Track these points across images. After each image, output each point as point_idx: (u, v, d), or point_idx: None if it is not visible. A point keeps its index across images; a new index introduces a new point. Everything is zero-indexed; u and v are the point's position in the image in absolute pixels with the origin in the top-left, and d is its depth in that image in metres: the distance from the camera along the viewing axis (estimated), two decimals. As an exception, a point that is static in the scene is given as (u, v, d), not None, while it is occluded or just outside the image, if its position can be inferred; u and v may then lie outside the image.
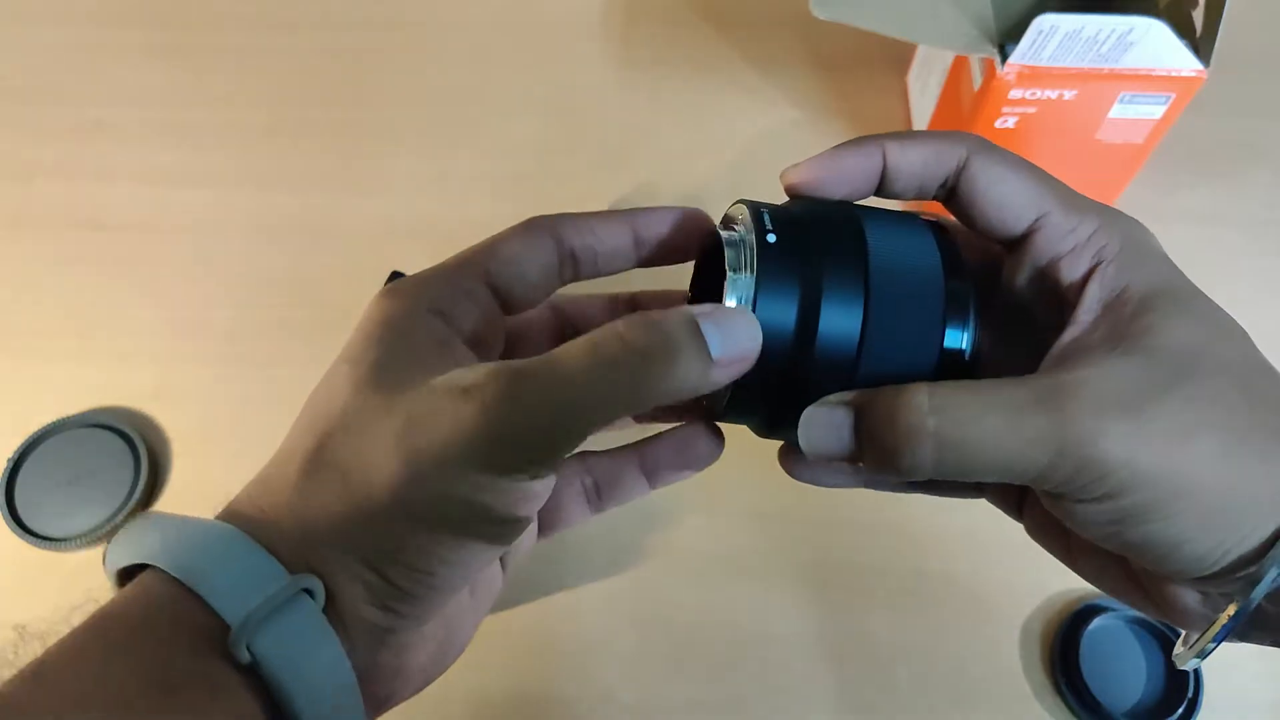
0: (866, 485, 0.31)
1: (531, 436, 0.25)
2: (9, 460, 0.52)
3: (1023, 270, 0.28)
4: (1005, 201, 0.27)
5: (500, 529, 0.26)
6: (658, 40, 0.69)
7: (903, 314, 0.26)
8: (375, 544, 0.25)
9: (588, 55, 0.69)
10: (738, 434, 0.56)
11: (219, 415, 0.55)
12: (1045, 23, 0.47)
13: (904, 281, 0.26)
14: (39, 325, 0.58)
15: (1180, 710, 0.47)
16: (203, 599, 0.24)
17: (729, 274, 0.26)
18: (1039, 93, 0.51)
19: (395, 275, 0.47)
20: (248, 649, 0.23)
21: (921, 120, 0.62)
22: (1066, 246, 0.27)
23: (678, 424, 0.32)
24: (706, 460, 0.31)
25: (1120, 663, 0.48)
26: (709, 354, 0.24)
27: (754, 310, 0.26)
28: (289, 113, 0.66)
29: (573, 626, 0.50)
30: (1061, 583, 0.50)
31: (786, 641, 0.49)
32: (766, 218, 0.27)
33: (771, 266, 0.26)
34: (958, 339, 0.26)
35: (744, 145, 0.65)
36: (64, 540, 0.50)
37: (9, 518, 0.50)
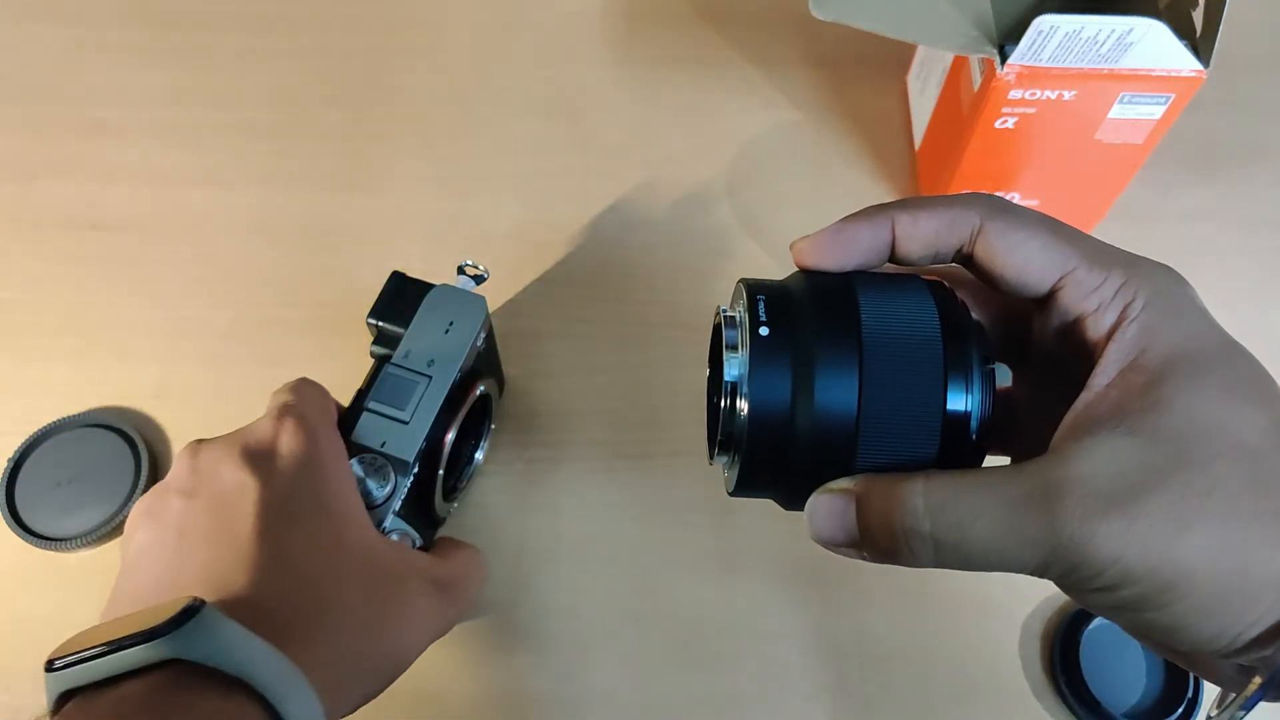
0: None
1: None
2: (9, 460, 0.52)
3: (1051, 326, 0.27)
4: (1026, 265, 0.27)
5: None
6: (658, 40, 0.69)
7: (900, 381, 0.26)
8: (370, 683, 0.36)
9: (588, 55, 0.69)
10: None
11: (219, 415, 0.55)
12: (1045, 23, 0.47)
13: (899, 349, 0.26)
14: (39, 325, 0.58)
15: (1180, 710, 0.47)
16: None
17: (725, 354, 0.27)
18: (1039, 93, 0.51)
19: (396, 275, 0.47)
20: None
21: (921, 120, 0.62)
22: (1091, 305, 0.26)
23: None
24: None
25: (1120, 662, 0.48)
26: None
27: (747, 390, 0.26)
28: (289, 113, 0.66)
29: (572, 625, 0.50)
30: (1061, 583, 0.50)
31: (786, 640, 0.49)
32: (761, 304, 0.28)
33: (764, 350, 0.26)
34: (961, 401, 0.26)
35: (744, 145, 0.65)
36: (64, 540, 0.50)
37: (9, 518, 0.50)
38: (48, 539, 0.50)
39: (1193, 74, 0.50)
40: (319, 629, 0.33)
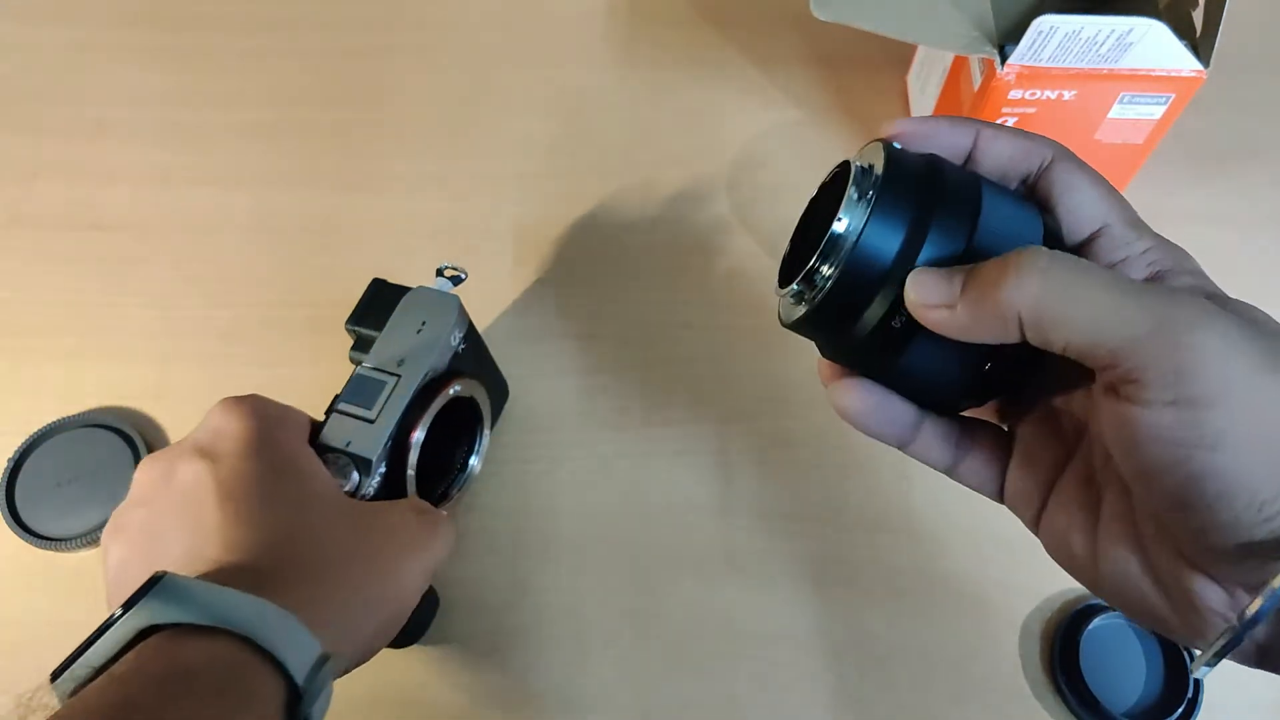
0: (905, 446, 0.31)
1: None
2: (9, 460, 0.52)
3: None
4: (1076, 207, 0.29)
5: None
6: (658, 40, 0.69)
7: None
8: (371, 637, 0.36)
9: (589, 55, 0.69)
10: (738, 436, 0.56)
11: (219, 415, 0.55)
12: (1045, 23, 0.47)
13: (1006, 238, 0.27)
14: (39, 325, 0.58)
15: (1180, 710, 0.47)
16: (279, 671, 0.30)
17: (847, 198, 0.27)
18: (1038, 93, 0.51)
19: (375, 282, 0.48)
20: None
21: (921, 120, 0.62)
22: (1120, 256, 0.28)
23: None
24: None
25: (1120, 662, 0.48)
26: None
27: (861, 235, 0.27)
28: (289, 113, 0.66)
29: (571, 625, 0.50)
30: (1061, 582, 0.50)
31: (785, 640, 0.49)
32: (895, 165, 0.28)
33: (889, 199, 0.27)
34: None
35: (744, 145, 0.65)
36: (64, 540, 0.50)
37: (9, 518, 0.50)
38: (48, 539, 0.50)
39: (1193, 74, 0.50)
40: (304, 568, 0.34)
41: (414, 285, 0.47)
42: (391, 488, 0.42)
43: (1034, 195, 0.30)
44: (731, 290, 0.59)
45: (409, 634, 0.47)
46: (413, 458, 0.42)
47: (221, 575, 0.32)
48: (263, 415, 0.38)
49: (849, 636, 0.49)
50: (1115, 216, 0.29)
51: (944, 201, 0.27)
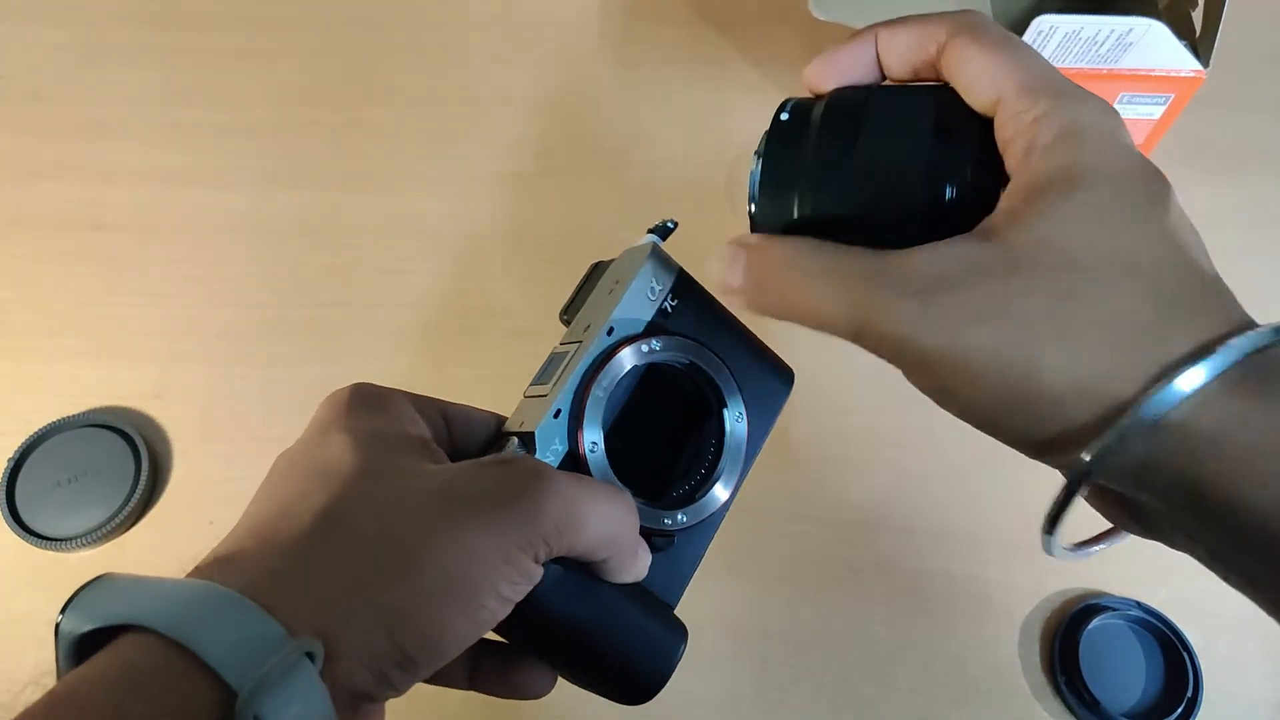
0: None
1: (559, 522, 0.27)
2: (9, 460, 0.52)
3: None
4: (971, 84, 0.27)
5: (498, 607, 0.27)
6: (658, 40, 0.69)
7: (884, 159, 0.28)
8: (399, 600, 0.25)
9: (588, 55, 0.69)
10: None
11: (219, 415, 0.55)
12: (1044, 23, 0.47)
13: (889, 146, 0.28)
14: (39, 325, 0.58)
15: (1179, 710, 0.47)
16: (203, 666, 0.23)
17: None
18: (1038, 93, 0.51)
19: (593, 266, 0.40)
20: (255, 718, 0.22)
21: (921, 120, 0.62)
22: (1010, 131, 0.26)
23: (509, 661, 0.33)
24: (534, 695, 0.33)
25: (1120, 662, 0.48)
26: None
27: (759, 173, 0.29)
28: (289, 113, 0.66)
29: (572, 626, 0.50)
30: (1061, 582, 0.50)
31: (785, 639, 0.49)
32: (789, 106, 0.30)
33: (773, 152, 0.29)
34: (950, 191, 0.27)
35: (744, 145, 0.65)
36: (64, 540, 0.50)
37: (9, 518, 0.50)
38: (48, 539, 0.50)
39: (1192, 74, 0.50)
40: (287, 538, 0.27)
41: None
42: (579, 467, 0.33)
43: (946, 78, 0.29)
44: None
45: (625, 677, 0.34)
46: (589, 433, 0.33)
47: (202, 565, 0.28)
48: (356, 395, 0.32)
49: (849, 636, 0.49)
50: (1010, 84, 0.26)
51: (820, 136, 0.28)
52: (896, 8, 0.50)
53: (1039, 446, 0.25)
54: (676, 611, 0.35)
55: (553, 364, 0.34)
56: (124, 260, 0.60)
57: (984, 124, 0.27)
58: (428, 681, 0.28)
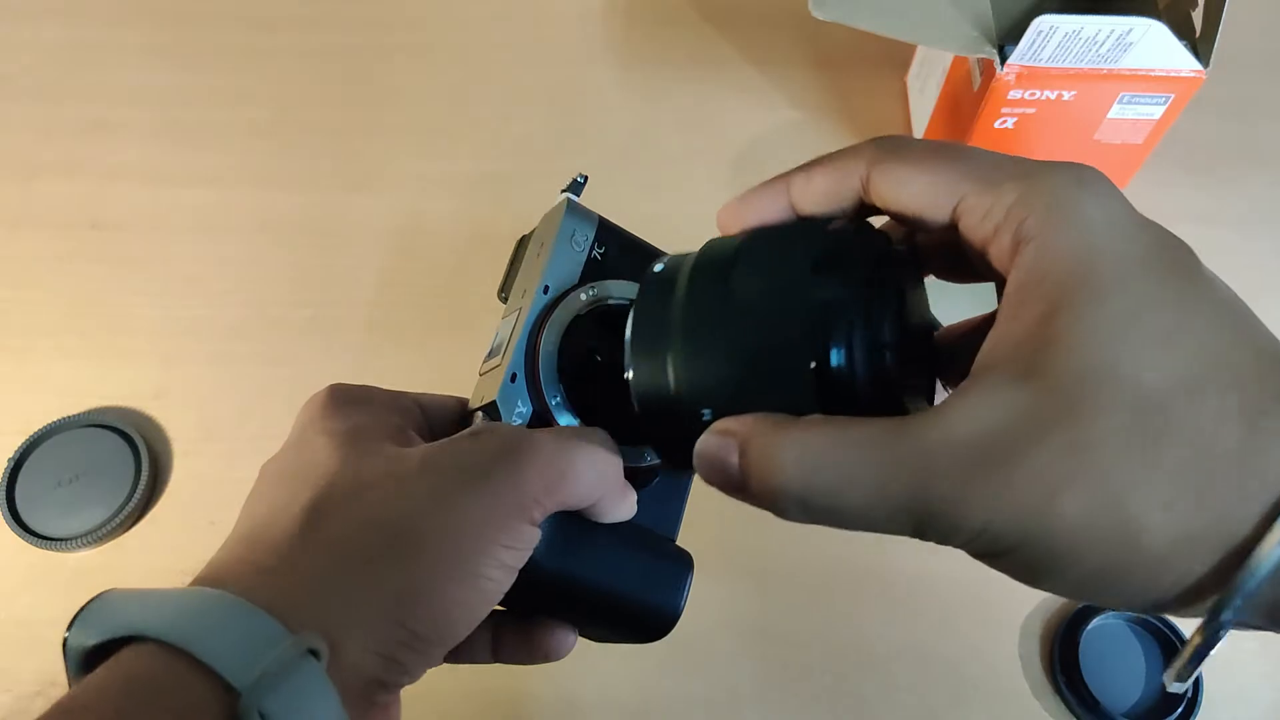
0: None
1: (546, 479, 0.27)
2: (9, 460, 0.52)
3: (975, 258, 0.25)
4: (917, 201, 0.24)
5: (502, 577, 0.27)
6: (658, 40, 0.69)
7: (762, 327, 0.25)
8: (399, 583, 0.25)
9: (588, 55, 0.69)
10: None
11: (219, 415, 0.55)
12: (1044, 23, 0.47)
13: (763, 308, 0.25)
14: (39, 325, 0.58)
15: (1180, 710, 0.47)
16: (204, 669, 0.23)
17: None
18: (1038, 93, 0.51)
19: (519, 241, 0.40)
20: (259, 716, 0.22)
21: (921, 120, 0.62)
22: (989, 230, 0.23)
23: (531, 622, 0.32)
24: (558, 655, 0.32)
25: (1120, 662, 0.48)
26: None
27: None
28: (289, 113, 0.66)
29: (572, 626, 0.50)
30: (1061, 582, 0.50)
31: (785, 640, 0.49)
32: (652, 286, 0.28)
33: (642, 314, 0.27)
34: (838, 350, 0.24)
35: (744, 145, 0.65)
36: (64, 540, 0.50)
37: (9, 518, 0.50)
38: (48, 539, 0.50)
39: (1192, 74, 0.50)
40: (277, 533, 0.27)
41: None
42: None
43: (881, 211, 0.26)
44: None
45: (638, 619, 0.34)
46: (549, 388, 0.32)
47: (199, 576, 0.27)
48: (336, 395, 0.31)
49: (849, 637, 0.49)
50: (966, 184, 0.24)
51: (692, 297, 0.26)
52: (897, 10, 0.51)
53: (1157, 606, 0.22)
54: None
55: (499, 336, 0.34)
56: (124, 260, 0.60)
57: (880, 251, 0.25)
58: (452, 661, 0.28)
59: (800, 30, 0.68)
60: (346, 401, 0.31)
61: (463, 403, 0.34)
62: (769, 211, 0.27)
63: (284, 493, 0.28)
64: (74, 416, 0.53)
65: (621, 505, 0.30)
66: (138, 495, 0.51)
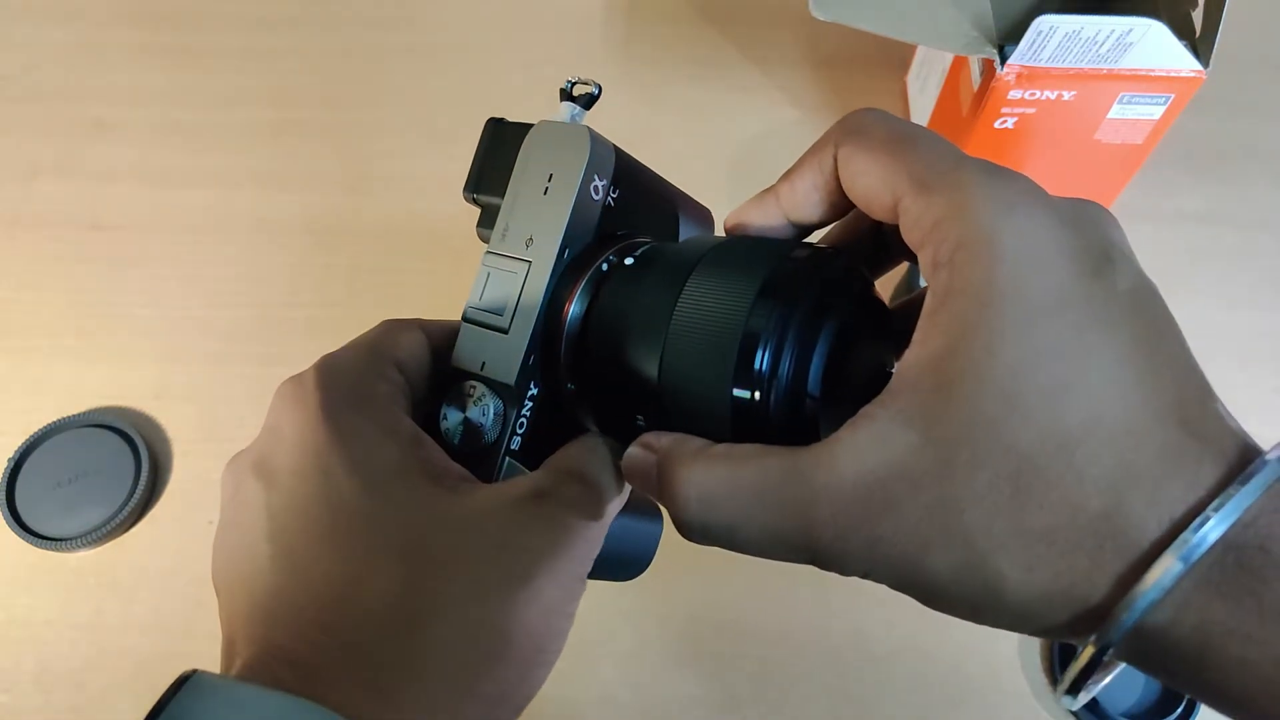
0: None
1: (596, 540, 0.28)
2: (9, 460, 0.52)
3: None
4: (867, 194, 0.24)
5: (568, 632, 0.28)
6: (657, 40, 0.69)
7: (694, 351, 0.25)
8: (498, 692, 0.25)
9: (588, 55, 0.69)
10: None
11: (219, 415, 0.55)
12: (1044, 23, 0.47)
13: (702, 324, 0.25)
14: (39, 325, 0.58)
15: (1179, 710, 0.47)
16: None
17: None
18: (1038, 93, 0.51)
19: (492, 123, 0.37)
20: None
21: (921, 120, 0.62)
22: (917, 239, 0.22)
23: None
24: None
25: (1119, 662, 0.48)
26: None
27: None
28: (289, 113, 0.66)
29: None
30: (1061, 583, 0.50)
31: (785, 639, 0.49)
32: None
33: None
34: (759, 366, 0.24)
35: (744, 145, 0.65)
36: (64, 540, 0.50)
37: (9, 518, 0.50)
38: (48, 539, 0.50)
39: (1192, 74, 0.50)
40: (366, 643, 0.24)
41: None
42: (561, 422, 0.30)
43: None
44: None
45: (624, 568, 0.35)
46: (565, 374, 0.30)
47: (264, 660, 0.24)
48: (328, 398, 0.28)
49: (849, 637, 0.49)
50: (904, 183, 0.22)
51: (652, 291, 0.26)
52: (898, 10, 0.51)
53: (1039, 635, 0.23)
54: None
55: (495, 283, 0.30)
56: (124, 260, 0.60)
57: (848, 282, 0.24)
58: None
59: (800, 30, 0.68)
60: (346, 407, 0.27)
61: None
62: (767, 219, 0.27)
63: (342, 559, 0.25)
64: (74, 416, 0.53)
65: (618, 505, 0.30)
66: (137, 495, 0.51)
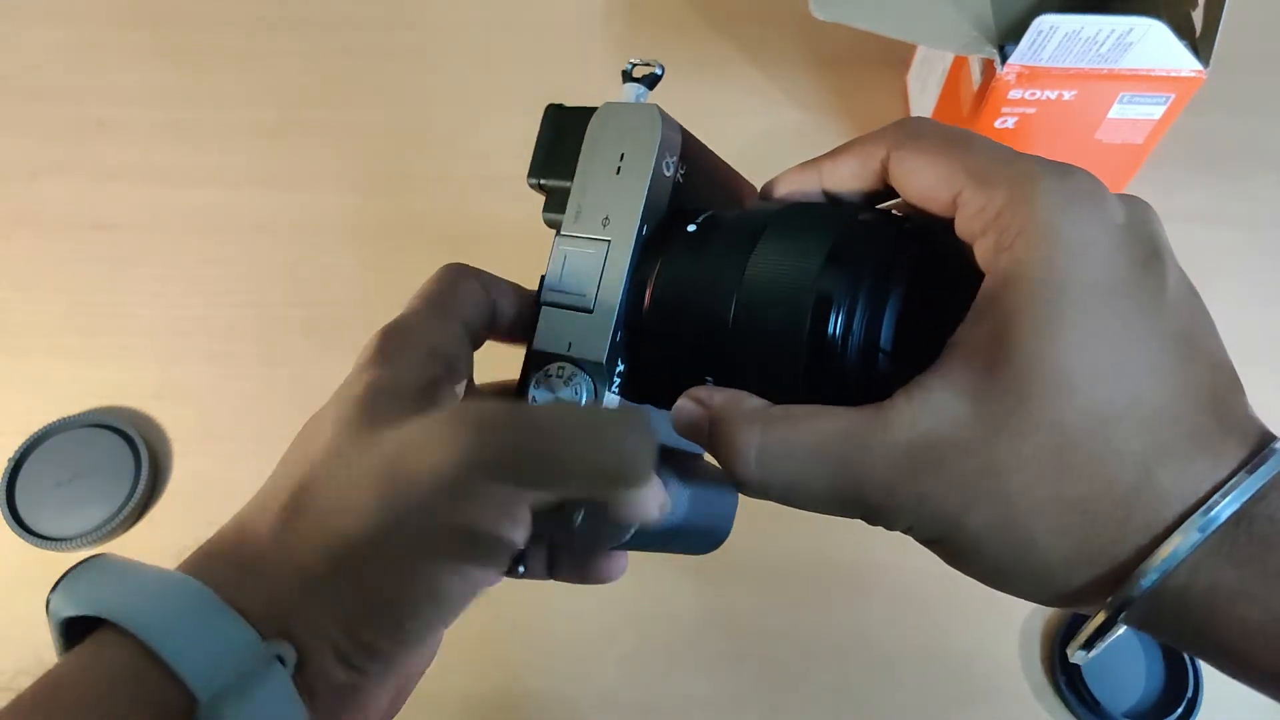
0: None
1: (531, 450, 0.24)
2: (9, 460, 0.52)
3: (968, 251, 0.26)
4: (923, 192, 0.25)
5: (489, 550, 0.25)
6: (658, 41, 0.69)
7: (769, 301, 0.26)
8: (352, 596, 0.24)
9: (588, 55, 0.69)
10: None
11: (219, 415, 0.55)
12: (1045, 23, 0.47)
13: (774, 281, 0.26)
14: (40, 324, 0.58)
15: (1180, 710, 0.47)
16: (169, 669, 0.23)
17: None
18: (1038, 93, 0.51)
19: (552, 109, 0.38)
20: None
21: (921, 120, 0.62)
22: (978, 228, 0.24)
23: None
24: (611, 579, 0.34)
25: (1120, 662, 0.48)
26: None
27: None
28: (289, 113, 0.66)
29: (572, 625, 0.50)
30: (1061, 583, 0.50)
31: (786, 640, 0.49)
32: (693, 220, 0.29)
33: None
34: (834, 326, 0.24)
35: (744, 145, 0.65)
36: (64, 540, 0.50)
37: (9, 518, 0.50)
38: (48, 539, 0.50)
39: (1193, 74, 0.50)
40: (248, 522, 0.27)
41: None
42: (649, 395, 0.31)
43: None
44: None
45: (702, 538, 0.35)
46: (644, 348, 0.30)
47: (221, 531, 0.27)
48: (371, 344, 0.29)
49: (850, 637, 0.49)
50: (961, 179, 0.24)
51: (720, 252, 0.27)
52: (898, 10, 0.51)
53: (1052, 602, 0.25)
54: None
55: (574, 265, 0.30)
56: (124, 260, 0.60)
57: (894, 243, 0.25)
58: (509, 576, 0.27)
59: (801, 30, 0.68)
60: (387, 347, 0.28)
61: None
62: (806, 188, 0.29)
63: (280, 472, 0.27)
64: (74, 416, 0.53)
65: (647, 505, 0.27)
66: (137, 495, 0.51)
